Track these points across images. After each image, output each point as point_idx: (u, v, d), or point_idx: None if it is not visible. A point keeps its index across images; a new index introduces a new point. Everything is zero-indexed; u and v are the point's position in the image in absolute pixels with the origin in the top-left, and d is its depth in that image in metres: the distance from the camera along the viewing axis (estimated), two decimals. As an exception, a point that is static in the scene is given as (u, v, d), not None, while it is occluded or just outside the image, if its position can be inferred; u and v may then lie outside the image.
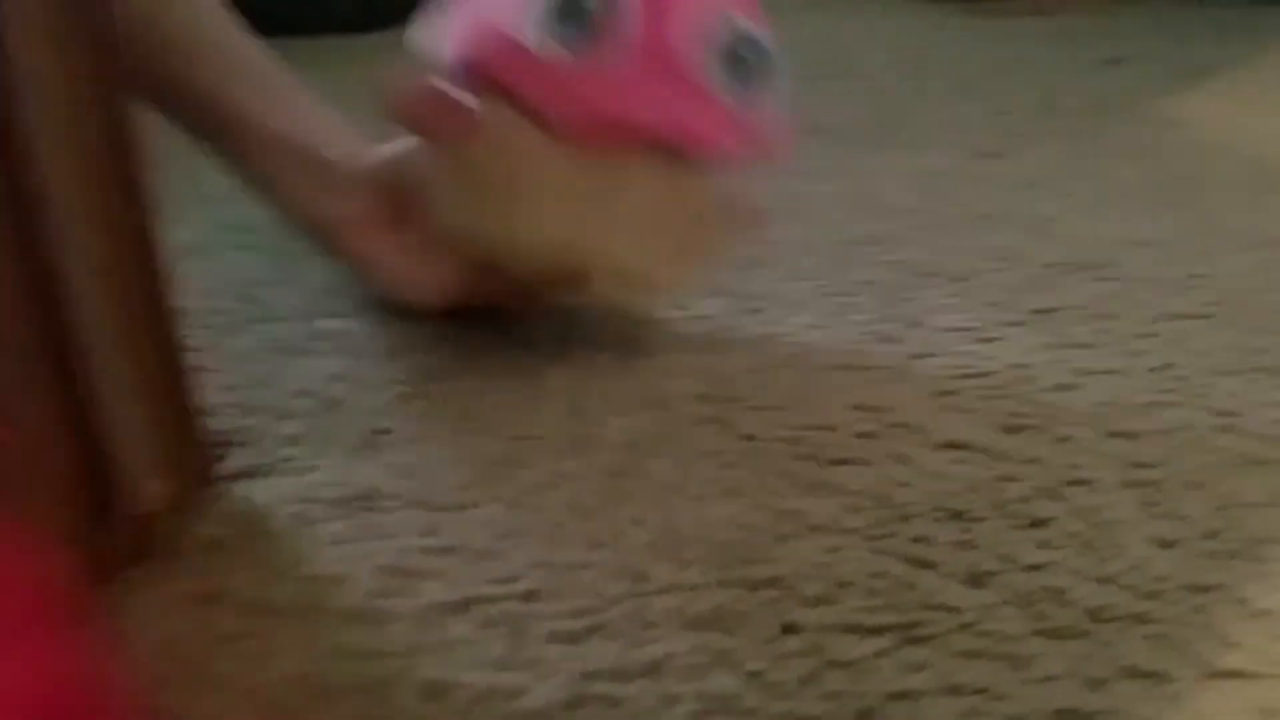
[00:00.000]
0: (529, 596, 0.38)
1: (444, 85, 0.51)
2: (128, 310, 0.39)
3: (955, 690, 0.34)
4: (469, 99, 0.51)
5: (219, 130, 0.63)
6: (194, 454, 0.45)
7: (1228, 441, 0.46)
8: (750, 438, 0.49)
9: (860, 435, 0.48)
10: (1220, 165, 0.90)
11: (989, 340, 0.58)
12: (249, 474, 0.48)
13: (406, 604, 0.38)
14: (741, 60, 0.50)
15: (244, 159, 0.64)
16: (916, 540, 0.40)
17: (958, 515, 0.42)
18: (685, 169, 0.52)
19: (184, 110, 0.63)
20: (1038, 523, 0.41)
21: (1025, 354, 0.56)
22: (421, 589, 0.39)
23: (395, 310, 0.63)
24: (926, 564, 0.39)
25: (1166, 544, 0.39)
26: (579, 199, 0.51)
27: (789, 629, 0.36)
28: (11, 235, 0.35)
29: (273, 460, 0.49)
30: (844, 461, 0.46)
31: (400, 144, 0.59)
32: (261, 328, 0.64)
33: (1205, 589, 0.36)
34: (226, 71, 0.63)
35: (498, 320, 0.62)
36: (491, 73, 0.50)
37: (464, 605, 0.38)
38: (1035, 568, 0.38)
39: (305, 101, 0.64)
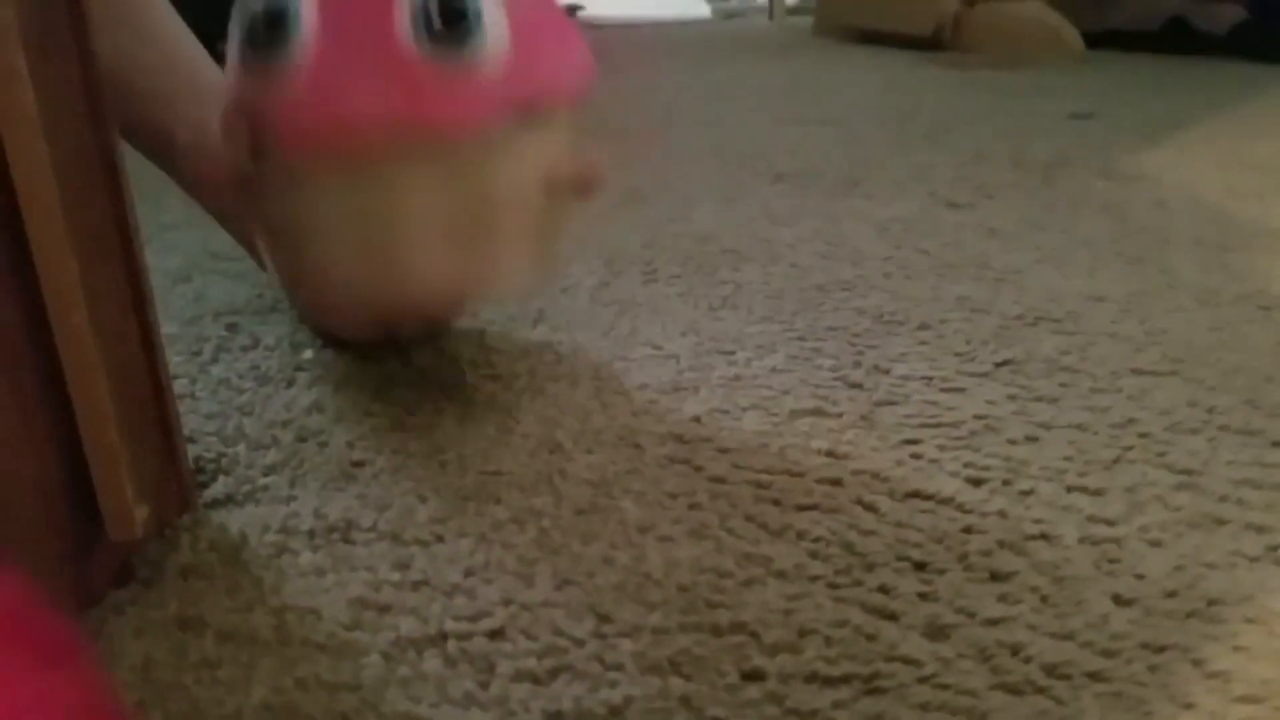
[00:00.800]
0: (497, 634, 0.39)
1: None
2: (112, 337, 0.40)
3: (914, 741, 0.34)
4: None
5: (160, 156, 0.64)
6: (176, 481, 0.45)
7: (1188, 500, 0.47)
8: (719, 480, 0.50)
9: (826, 481, 0.49)
10: (1185, 221, 0.92)
11: (953, 390, 0.59)
12: (228, 502, 0.48)
13: (378, 638, 0.38)
14: (445, 17, 0.45)
15: (182, 183, 0.64)
16: (879, 590, 0.41)
17: (920, 566, 0.43)
18: (454, 157, 0.48)
19: (140, 141, 0.63)
20: (999, 576, 0.42)
21: (989, 405, 0.57)
22: (393, 623, 0.39)
23: (367, 342, 0.63)
24: (888, 615, 0.40)
25: (1125, 602, 0.40)
26: (359, 229, 0.48)
27: (750, 676, 0.37)
28: (4, 271, 0.36)
29: (251, 489, 0.49)
30: (810, 507, 0.47)
31: None
32: (245, 356, 0.64)
33: (1162, 649, 0.37)
34: (170, 95, 0.63)
35: (475, 356, 0.62)
36: (235, 108, 0.49)
37: (434, 640, 0.38)
38: (995, 622, 0.39)
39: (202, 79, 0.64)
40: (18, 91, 0.34)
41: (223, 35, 0.60)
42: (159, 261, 0.83)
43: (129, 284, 0.42)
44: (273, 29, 0.45)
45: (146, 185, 0.44)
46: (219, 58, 0.66)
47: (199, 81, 0.64)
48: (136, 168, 0.42)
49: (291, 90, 0.46)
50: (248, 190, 0.51)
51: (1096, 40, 2.18)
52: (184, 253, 0.86)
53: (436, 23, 0.45)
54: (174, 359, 0.62)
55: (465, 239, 0.49)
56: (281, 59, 0.46)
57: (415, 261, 0.49)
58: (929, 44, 2.33)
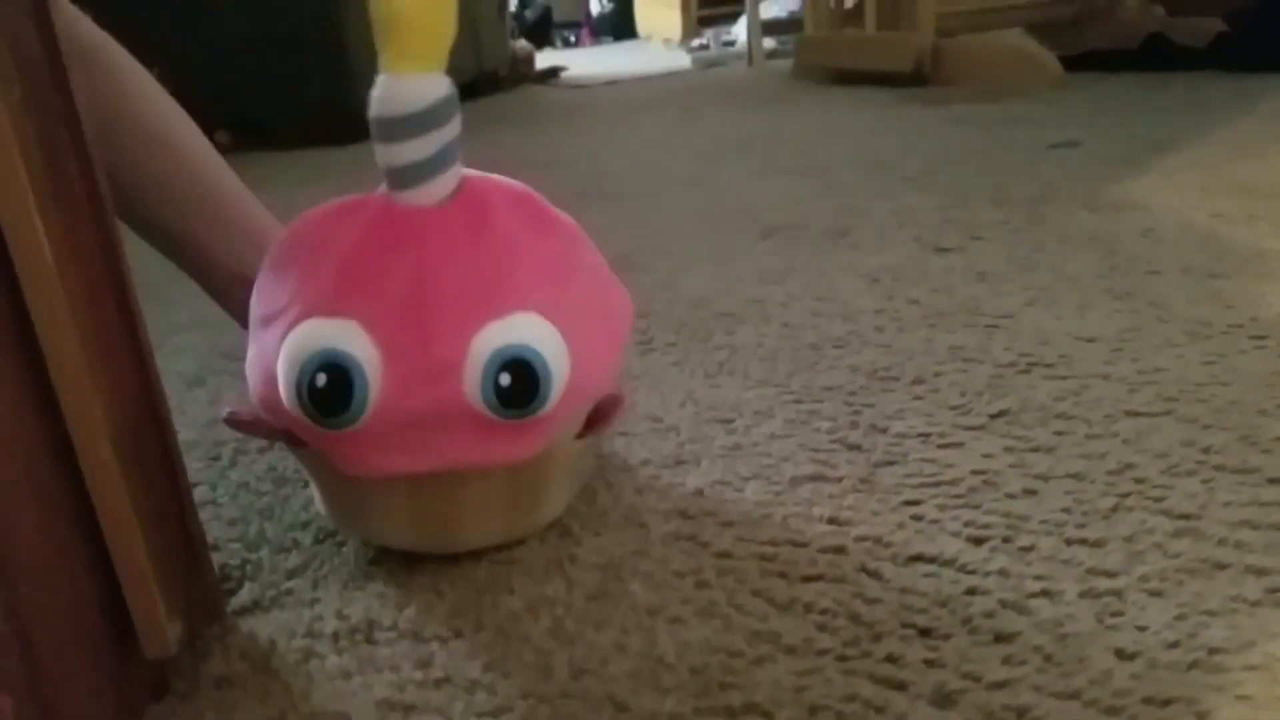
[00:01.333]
0: (518, 731, 0.40)
1: (248, 415, 0.53)
2: (135, 462, 0.41)
3: (929, 813, 0.35)
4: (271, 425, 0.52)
5: (179, 257, 0.67)
6: (204, 592, 0.47)
7: (1187, 545, 0.48)
8: (724, 555, 0.51)
9: (830, 550, 0.50)
10: (1173, 249, 0.94)
11: (951, 445, 0.60)
12: (255, 608, 0.50)
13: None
14: (515, 381, 0.47)
15: (209, 292, 0.67)
16: (887, 659, 0.42)
17: (925, 632, 0.44)
18: (511, 468, 0.50)
19: (150, 236, 0.66)
20: (1002, 637, 0.43)
21: (986, 459, 0.58)
22: (416, 727, 0.40)
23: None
24: (896, 685, 0.40)
25: (1127, 656, 0.41)
26: (418, 513, 0.51)
27: (768, 755, 0.38)
28: (30, 409, 0.37)
29: (276, 594, 0.51)
30: (815, 578, 0.48)
31: None
32: (262, 459, 0.66)
33: (1166, 703, 0.38)
34: (195, 212, 0.66)
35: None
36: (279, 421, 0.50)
37: (456, 743, 0.39)
38: (1000, 685, 0.40)
39: (254, 234, 0.67)
40: (36, 245, 0.36)
41: (220, 124, 0.62)
42: (171, 364, 0.85)
43: (148, 409, 0.43)
44: (335, 391, 0.46)
45: (153, 285, 0.46)
46: (216, 144, 0.69)
47: (237, 212, 0.67)
48: (140, 264, 0.43)
49: (358, 442, 0.47)
50: (294, 449, 0.53)
51: (1076, 62, 2.21)
52: (195, 355, 0.88)
53: (510, 395, 0.47)
54: (193, 465, 0.64)
55: (519, 503, 0.52)
56: (346, 422, 0.46)
57: (473, 530, 0.52)
58: (909, 80, 2.36)
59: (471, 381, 0.46)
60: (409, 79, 0.46)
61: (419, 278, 0.47)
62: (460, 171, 0.50)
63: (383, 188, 0.50)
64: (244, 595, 0.51)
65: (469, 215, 0.49)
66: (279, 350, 0.48)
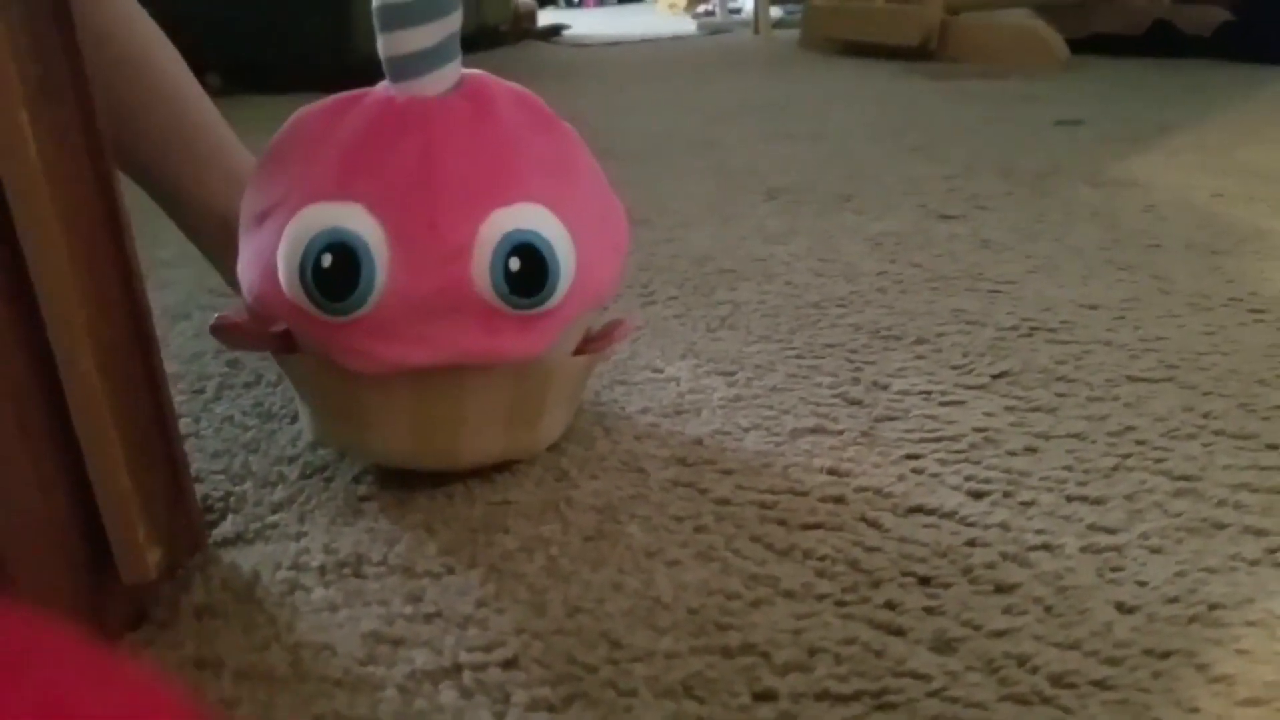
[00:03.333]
0: (511, 664, 0.39)
1: (240, 318, 0.52)
2: (119, 381, 0.40)
3: (925, 756, 0.35)
4: (265, 330, 0.51)
5: (155, 193, 0.65)
6: (185, 521, 0.46)
7: (1187, 505, 0.48)
8: (723, 501, 0.50)
9: (830, 499, 0.50)
10: (1175, 226, 0.93)
11: (952, 403, 0.59)
12: (238, 540, 0.48)
13: (393, 671, 0.39)
14: (524, 266, 0.46)
15: (176, 221, 0.65)
16: (886, 606, 0.42)
17: (925, 581, 0.43)
18: (517, 368, 0.50)
19: (125, 167, 0.64)
20: (1003, 588, 0.42)
21: (988, 417, 0.57)
22: (408, 656, 0.40)
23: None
24: (895, 630, 0.40)
25: (1128, 609, 0.40)
26: (419, 419, 0.50)
27: (762, 696, 0.37)
28: (8, 315, 0.36)
29: (261, 526, 0.49)
30: (815, 526, 0.48)
31: None
32: (248, 393, 0.65)
33: (1166, 655, 0.38)
34: (167, 143, 0.64)
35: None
36: (280, 319, 0.50)
37: (449, 672, 0.39)
38: (1001, 634, 0.39)
39: (233, 171, 0.65)
40: (20, 143, 0.35)
41: (211, 66, 0.61)
42: (157, 299, 0.83)
43: (134, 327, 0.42)
44: (344, 278, 0.45)
45: (140, 221, 0.44)
46: (206, 86, 0.67)
47: (213, 146, 0.65)
48: (129, 202, 0.42)
49: (364, 331, 0.46)
50: (283, 359, 0.52)
51: (1081, 45, 2.20)
52: (181, 289, 0.86)
53: (519, 282, 0.46)
54: (177, 398, 0.62)
55: (519, 416, 0.52)
56: (353, 307, 0.46)
57: (473, 442, 0.51)
58: (915, 54, 2.35)
59: (480, 267, 0.46)
60: None
61: (425, 162, 0.46)
62: (460, 67, 0.49)
63: (382, 84, 0.49)
64: (227, 527, 0.50)
65: (472, 105, 0.48)
66: (279, 241, 0.47)
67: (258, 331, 0.52)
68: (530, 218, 0.47)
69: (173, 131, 0.64)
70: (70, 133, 0.38)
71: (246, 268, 0.50)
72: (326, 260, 0.45)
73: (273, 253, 0.47)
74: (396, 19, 0.46)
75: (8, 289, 0.37)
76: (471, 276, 0.46)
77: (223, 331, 0.52)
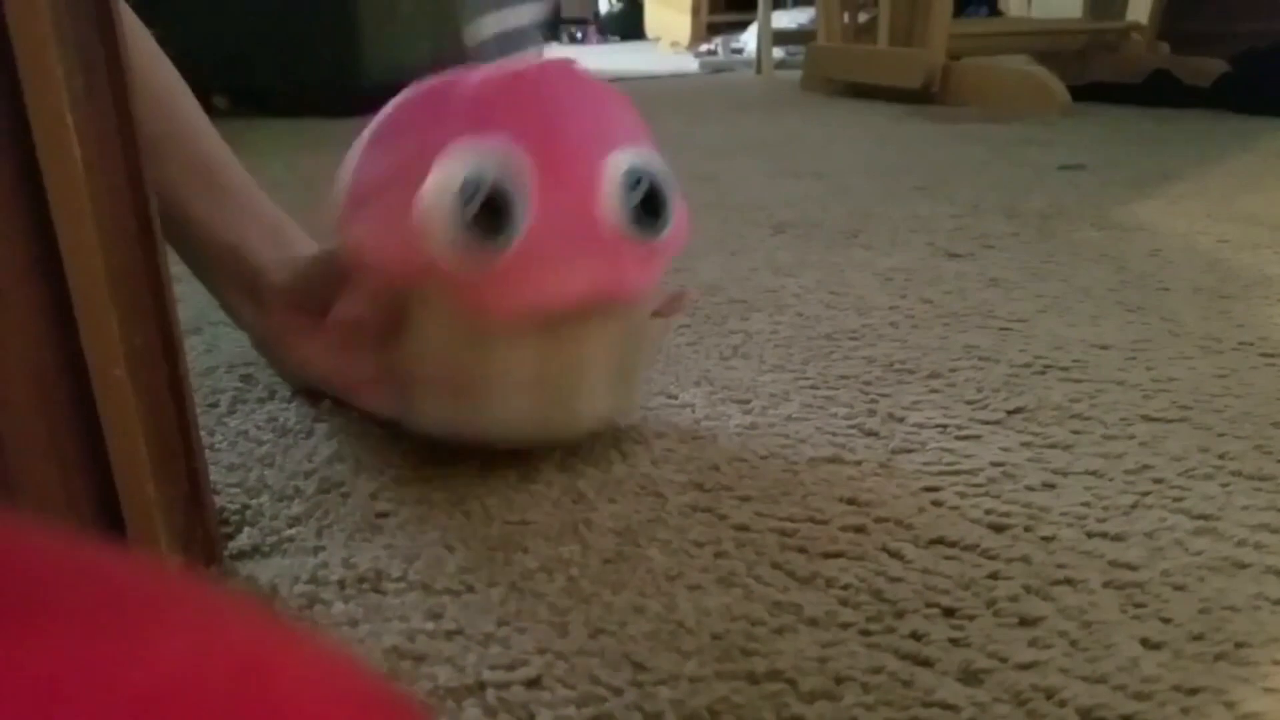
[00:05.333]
0: (534, 683, 0.39)
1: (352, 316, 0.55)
2: (147, 390, 0.40)
3: (955, 786, 0.35)
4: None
5: (170, 226, 0.65)
6: (203, 532, 0.45)
7: (1207, 544, 0.48)
8: (742, 528, 0.50)
9: (850, 529, 0.50)
10: (1182, 270, 0.94)
11: (969, 438, 0.60)
12: (254, 553, 0.48)
13: (416, 688, 0.38)
14: (646, 198, 0.49)
15: (185, 256, 0.65)
16: (911, 636, 0.41)
17: (950, 612, 0.43)
18: (628, 313, 0.53)
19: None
20: (1028, 621, 0.42)
21: (1004, 452, 0.57)
22: (430, 672, 0.39)
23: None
24: (922, 661, 0.40)
25: (1154, 645, 0.40)
26: (545, 374, 0.51)
27: (790, 722, 0.37)
28: (42, 320, 0.36)
29: (278, 540, 0.49)
30: (836, 555, 0.47)
31: (307, 256, 0.62)
32: (262, 408, 0.64)
33: (1194, 691, 0.38)
34: (178, 170, 0.64)
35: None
36: (414, 286, 0.51)
37: (471, 690, 0.38)
38: (1027, 666, 0.39)
39: (246, 204, 0.66)
40: (66, 144, 0.35)
41: (219, 89, 0.61)
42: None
43: (162, 336, 0.42)
44: (496, 214, 0.46)
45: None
46: (212, 109, 0.68)
47: (230, 181, 0.66)
48: None
49: (508, 270, 0.47)
50: (368, 343, 0.54)
51: (1081, 93, 2.22)
52: (193, 305, 0.86)
53: (641, 211, 0.49)
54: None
55: (623, 373, 0.54)
56: (502, 243, 0.47)
57: (590, 400, 0.53)
58: (917, 97, 2.37)
59: (608, 199, 0.48)
60: None
61: (550, 108, 0.49)
62: (541, 54, 0.53)
63: None
64: (243, 539, 0.50)
65: (564, 72, 0.51)
66: (413, 198, 0.47)
67: (378, 320, 0.53)
68: (645, 156, 0.50)
69: (184, 164, 0.64)
70: (109, 138, 0.38)
71: (373, 236, 0.51)
72: (483, 188, 0.46)
73: (404, 213, 0.47)
74: (477, 7, 0.51)
75: (41, 296, 0.37)
76: (601, 206, 0.48)
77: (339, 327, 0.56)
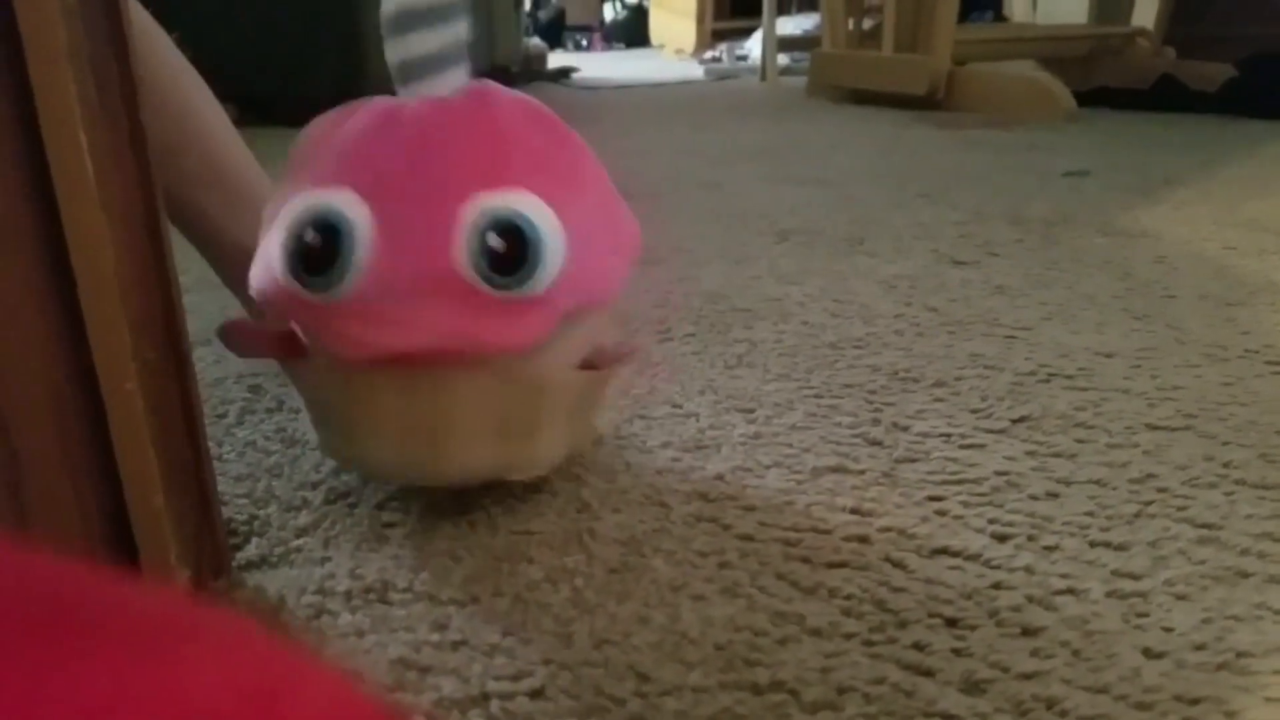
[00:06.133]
0: (539, 694, 0.39)
1: (244, 322, 0.54)
2: (157, 403, 0.40)
3: (958, 796, 0.35)
4: (267, 337, 0.53)
5: (189, 231, 0.66)
6: (212, 543, 0.46)
7: (1210, 554, 0.48)
8: (747, 538, 0.50)
9: (854, 539, 0.50)
10: (1187, 276, 0.94)
11: (973, 446, 0.60)
12: (262, 564, 0.48)
13: (421, 698, 0.39)
14: (504, 243, 0.46)
15: (210, 260, 0.66)
16: (914, 647, 0.42)
17: (952, 622, 0.43)
18: (505, 366, 0.49)
19: (169, 214, 0.65)
20: (1030, 631, 0.42)
21: (1008, 461, 0.58)
22: (435, 683, 0.40)
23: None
24: (924, 671, 0.40)
25: (1155, 655, 0.40)
26: (405, 423, 0.49)
27: (794, 732, 0.37)
28: (55, 332, 0.37)
29: (285, 550, 0.50)
30: (839, 565, 0.48)
31: None
32: (270, 419, 0.65)
33: (1195, 701, 0.38)
34: (199, 179, 0.65)
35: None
36: (275, 313, 0.50)
37: (476, 701, 0.39)
38: (1029, 676, 0.39)
39: (262, 205, 0.66)
40: (79, 163, 0.36)
41: (229, 98, 0.62)
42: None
43: (173, 350, 0.43)
44: (328, 254, 0.45)
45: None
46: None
47: (247, 187, 0.66)
48: None
49: (348, 313, 0.46)
50: (288, 364, 0.53)
51: (1087, 98, 2.22)
52: (203, 315, 0.86)
53: (499, 261, 0.46)
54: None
55: (510, 428, 0.50)
56: (338, 285, 0.46)
57: (461, 452, 0.50)
58: (922, 103, 2.37)
59: (460, 248, 0.45)
60: None
61: (415, 153, 0.47)
62: (466, 74, 0.51)
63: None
64: (251, 550, 0.50)
65: (471, 103, 0.49)
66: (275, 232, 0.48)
67: (263, 337, 0.52)
68: (516, 201, 0.46)
69: (209, 172, 0.65)
70: (122, 157, 0.39)
71: (254, 267, 0.51)
72: (309, 235, 0.46)
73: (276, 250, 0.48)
74: (402, 24, 0.48)
75: (55, 310, 0.37)
76: (451, 255, 0.45)
77: (230, 335, 0.53)
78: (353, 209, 0.46)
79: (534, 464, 0.52)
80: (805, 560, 0.48)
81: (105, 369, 0.38)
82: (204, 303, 0.89)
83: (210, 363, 0.76)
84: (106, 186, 0.37)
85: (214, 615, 0.14)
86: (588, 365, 0.53)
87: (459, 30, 0.49)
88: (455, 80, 0.50)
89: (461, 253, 0.45)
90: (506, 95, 0.51)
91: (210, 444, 0.60)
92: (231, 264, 0.66)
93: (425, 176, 0.46)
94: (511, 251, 0.46)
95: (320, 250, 0.45)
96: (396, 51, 0.49)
